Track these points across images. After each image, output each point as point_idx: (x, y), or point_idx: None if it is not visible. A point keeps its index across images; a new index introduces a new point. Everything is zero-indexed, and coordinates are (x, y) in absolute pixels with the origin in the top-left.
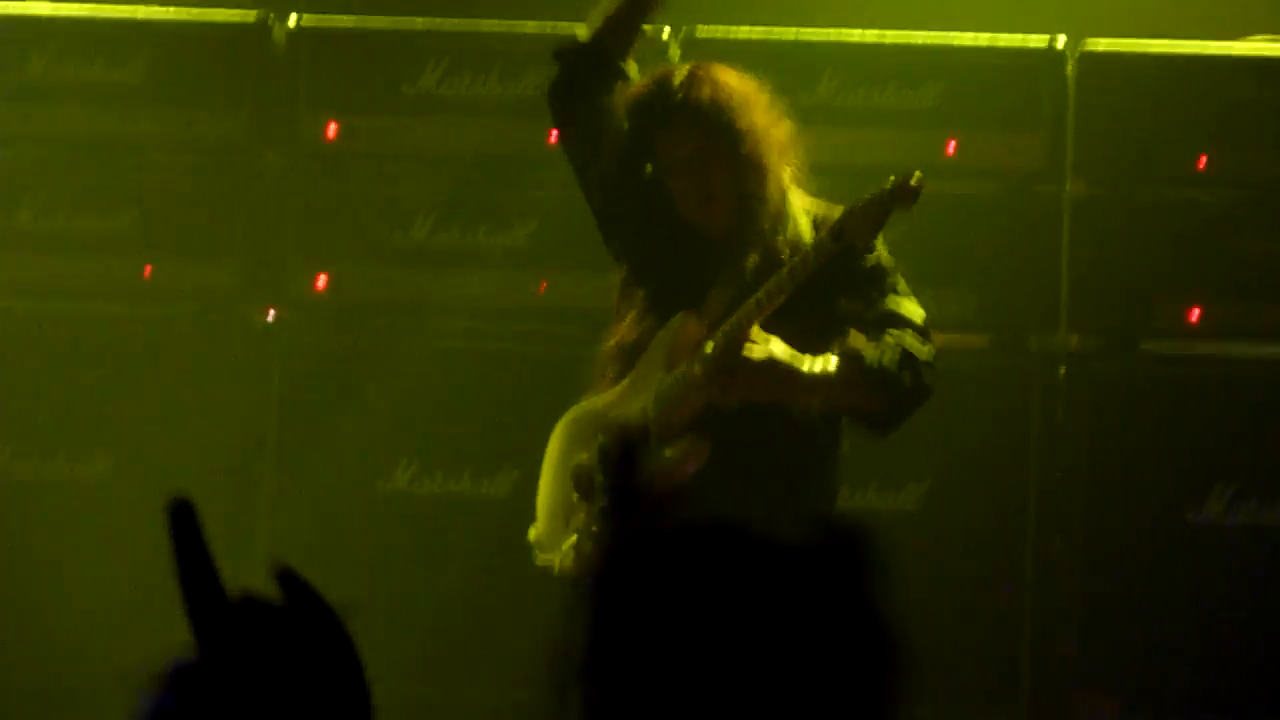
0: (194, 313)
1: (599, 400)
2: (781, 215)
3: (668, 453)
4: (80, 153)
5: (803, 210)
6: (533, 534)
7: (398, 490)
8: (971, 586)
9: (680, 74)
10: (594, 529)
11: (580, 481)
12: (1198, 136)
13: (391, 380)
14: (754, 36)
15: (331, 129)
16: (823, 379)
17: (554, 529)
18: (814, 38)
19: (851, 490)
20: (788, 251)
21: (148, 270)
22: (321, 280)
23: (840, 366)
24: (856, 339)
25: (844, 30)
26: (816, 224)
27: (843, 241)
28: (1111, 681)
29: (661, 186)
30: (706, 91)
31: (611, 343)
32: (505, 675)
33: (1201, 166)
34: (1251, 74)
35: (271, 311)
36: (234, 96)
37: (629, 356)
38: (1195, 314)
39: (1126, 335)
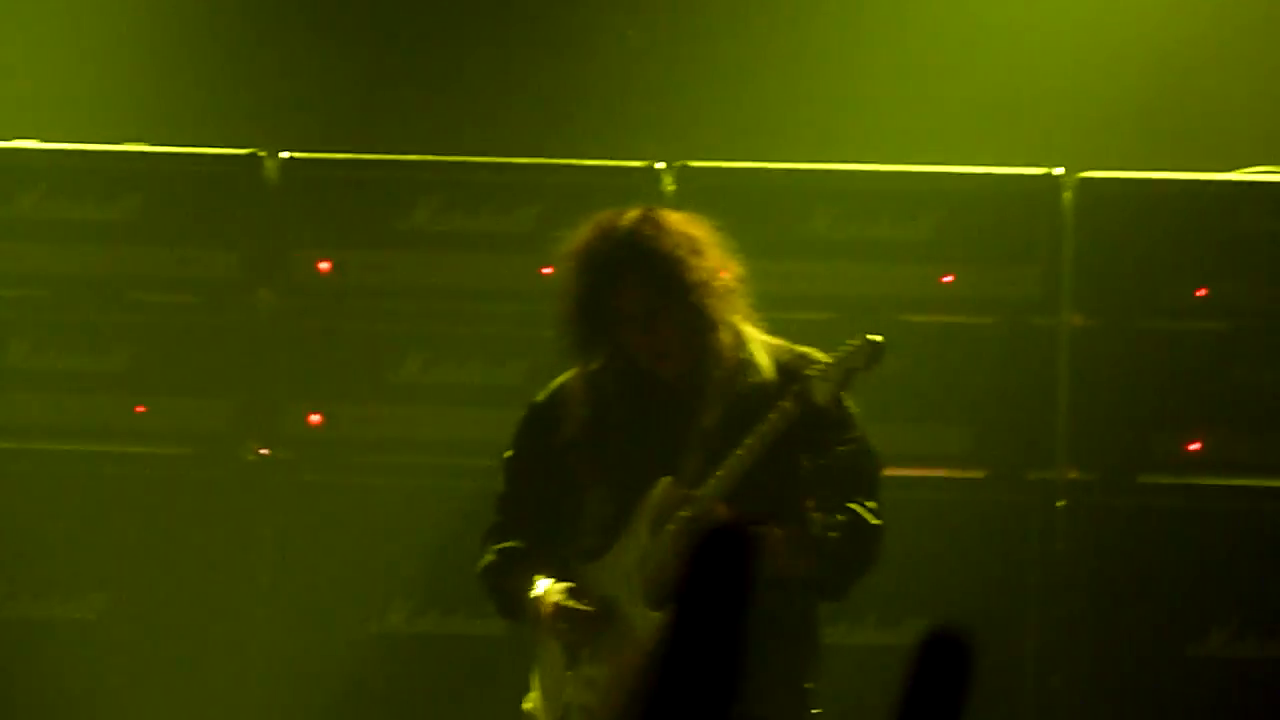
0: (186, 451)
1: (587, 571)
2: (739, 361)
3: (649, 615)
4: (71, 291)
5: (763, 349)
6: (527, 704)
7: (391, 630)
8: None
9: (626, 225)
10: (583, 702)
11: (568, 651)
12: (1196, 267)
13: (385, 518)
14: (748, 167)
15: (324, 265)
16: (769, 549)
17: (549, 701)
18: (808, 168)
19: (850, 626)
20: (752, 396)
21: (139, 409)
22: (314, 418)
23: (788, 539)
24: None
25: (838, 162)
26: (780, 366)
27: (806, 406)
28: None
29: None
30: (655, 245)
31: (587, 505)
32: None
33: (1201, 296)
34: (1250, 204)
35: (264, 450)
36: (226, 233)
37: (611, 526)
38: (1195, 446)
39: (1125, 468)
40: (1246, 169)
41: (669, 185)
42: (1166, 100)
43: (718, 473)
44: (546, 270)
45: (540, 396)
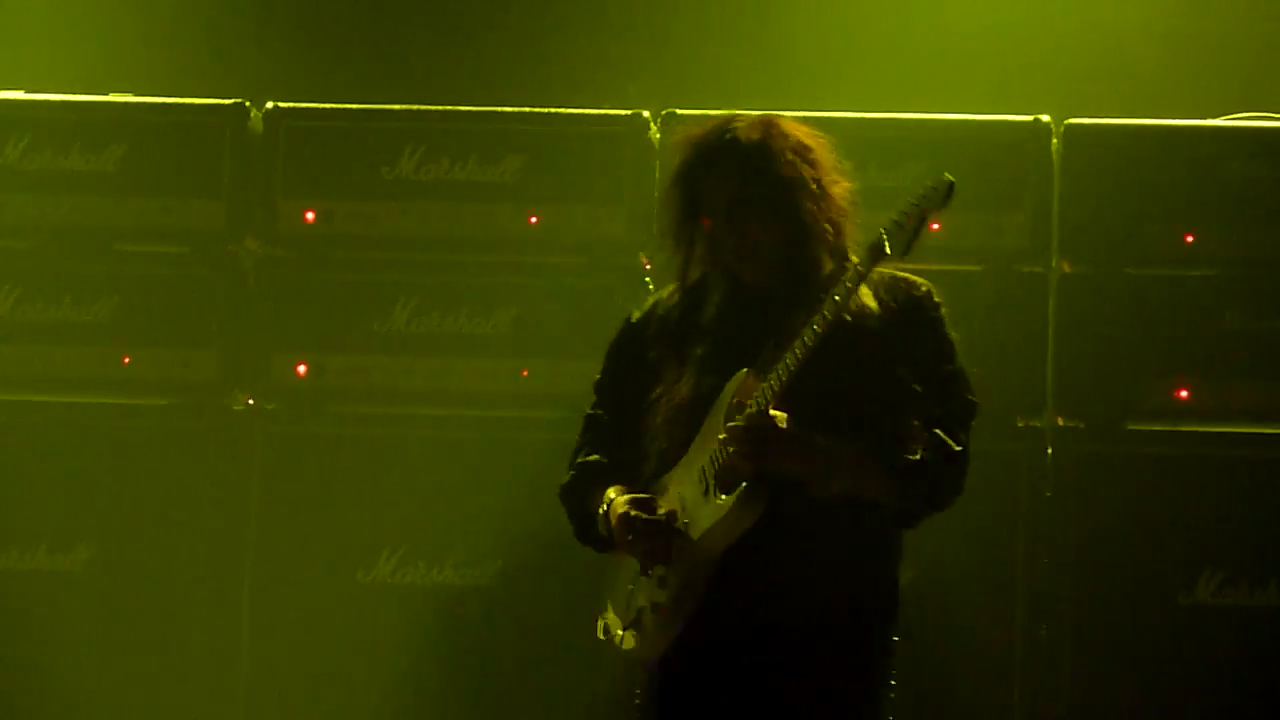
0: (173, 402)
1: (666, 476)
2: (838, 281)
3: (720, 499)
4: (56, 242)
5: (866, 279)
6: (600, 627)
7: (380, 580)
8: (959, 671)
9: (738, 122)
10: (654, 600)
11: (640, 560)
12: (1184, 214)
13: (372, 468)
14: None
15: (309, 215)
16: (837, 462)
17: (620, 612)
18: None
19: None
20: (849, 317)
21: (125, 360)
22: (301, 368)
23: (856, 455)
24: (897, 423)
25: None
26: (879, 291)
27: (881, 252)
28: None
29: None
30: (757, 136)
31: (665, 400)
32: None
33: (1189, 243)
34: (1237, 150)
35: (250, 400)
36: (211, 184)
37: (690, 415)
38: (1183, 393)
39: (1114, 415)
40: (1234, 114)
41: (655, 133)
42: (1154, 46)
43: (785, 357)
44: (533, 219)
45: (635, 315)
